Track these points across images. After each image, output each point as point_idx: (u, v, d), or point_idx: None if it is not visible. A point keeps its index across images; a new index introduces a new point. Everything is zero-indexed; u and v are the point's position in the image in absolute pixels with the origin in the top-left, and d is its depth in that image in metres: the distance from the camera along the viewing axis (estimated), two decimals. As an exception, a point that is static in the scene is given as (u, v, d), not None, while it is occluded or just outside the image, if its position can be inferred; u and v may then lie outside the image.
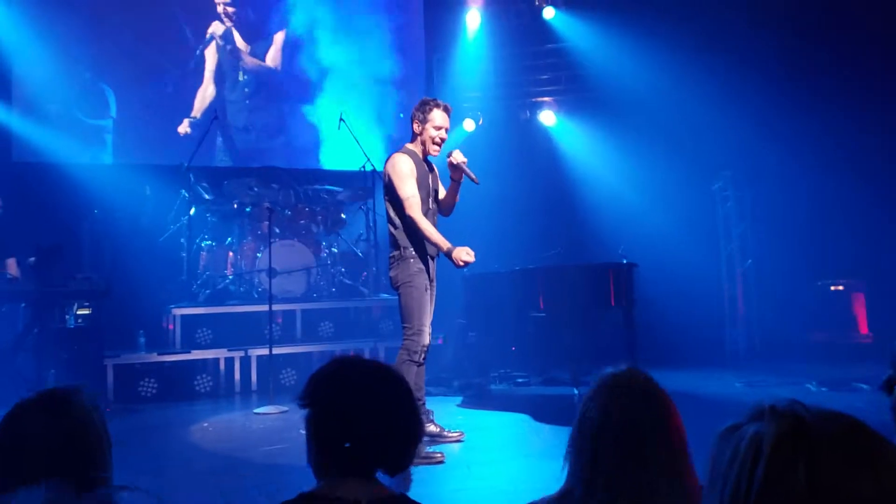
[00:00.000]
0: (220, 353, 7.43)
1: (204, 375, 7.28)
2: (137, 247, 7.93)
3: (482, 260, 7.98)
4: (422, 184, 4.79)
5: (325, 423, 1.62)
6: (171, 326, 7.67)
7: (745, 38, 8.44)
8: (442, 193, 5.01)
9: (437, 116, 4.80)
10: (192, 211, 8.05)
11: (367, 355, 7.73)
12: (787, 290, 8.88)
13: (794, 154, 8.34)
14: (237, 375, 7.43)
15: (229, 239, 8.14)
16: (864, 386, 6.38)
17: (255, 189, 8.10)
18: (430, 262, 4.84)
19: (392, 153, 4.93)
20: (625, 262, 6.59)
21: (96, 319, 7.00)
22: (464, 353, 7.73)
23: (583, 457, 1.73)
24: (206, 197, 8.16)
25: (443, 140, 4.85)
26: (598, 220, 8.82)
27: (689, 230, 8.87)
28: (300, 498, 1.57)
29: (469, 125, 9.87)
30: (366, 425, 1.61)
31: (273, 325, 7.12)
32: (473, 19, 9.92)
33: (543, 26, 9.83)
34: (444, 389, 7.12)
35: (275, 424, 5.81)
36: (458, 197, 4.99)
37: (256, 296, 7.83)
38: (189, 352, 7.36)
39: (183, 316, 7.59)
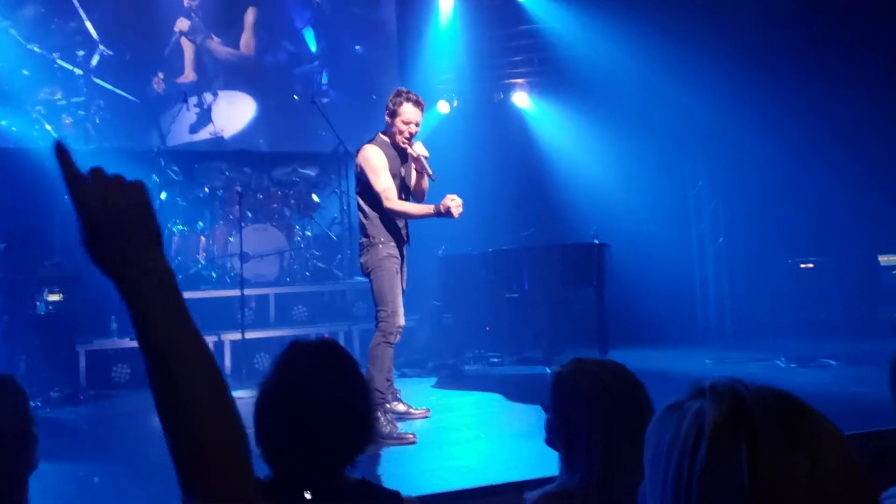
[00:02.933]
0: (194, 338, 7.38)
1: (178, 360, 7.24)
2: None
3: (456, 241, 8.08)
4: (395, 174, 4.79)
5: (265, 408, 1.51)
6: (143, 312, 7.60)
7: (717, 20, 8.46)
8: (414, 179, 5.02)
9: (407, 110, 4.74)
10: (163, 195, 7.96)
11: (341, 338, 7.75)
12: (758, 267, 8.98)
13: (764, 133, 8.39)
14: (211, 360, 7.38)
15: (201, 223, 8.06)
16: (832, 362, 6.49)
17: (227, 173, 8.03)
18: (402, 247, 4.87)
19: (363, 144, 4.90)
20: (596, 241, 6.63)
21: (67, 305, 6.90)
22: (438, 334, 7.75)
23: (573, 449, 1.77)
24: (177, 180, 8.09)
25: (412, 134, 4.79)
26: (571, 201, 8.83)
27: (662, 209, 8.93)
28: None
29: (443, 107, 9.83)
30: (308, 417, 1.50)
31: (246, 310, 7.09)
32: (446, 0, 9.87)
33: (516, 8, 9.79)
34: (418, 371, 7.14)
35: (248, 409, 5.73)
36: (426, 184, 4.99)
37: (229, 280, 7.76)
38: (162, 337, 7.30)
39: (156, 301, 7.52)
